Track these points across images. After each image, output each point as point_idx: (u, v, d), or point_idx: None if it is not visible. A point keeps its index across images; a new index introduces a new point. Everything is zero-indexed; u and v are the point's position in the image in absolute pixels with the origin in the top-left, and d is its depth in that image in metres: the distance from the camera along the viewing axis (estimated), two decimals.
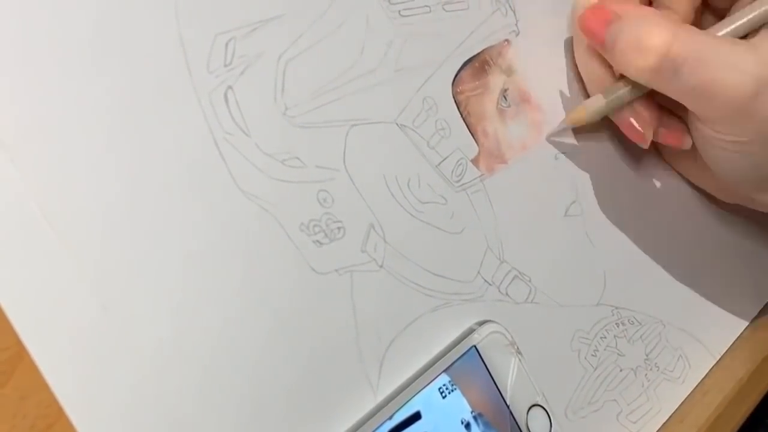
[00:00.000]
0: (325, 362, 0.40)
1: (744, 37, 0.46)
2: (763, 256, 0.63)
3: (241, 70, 0.39)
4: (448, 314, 0.44)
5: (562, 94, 0.53)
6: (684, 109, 0.48)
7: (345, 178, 0.42)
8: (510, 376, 0.45)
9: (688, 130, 0.51)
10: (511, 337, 0.45)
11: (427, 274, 0.44)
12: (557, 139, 0.52)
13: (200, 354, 0.36)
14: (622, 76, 0.49)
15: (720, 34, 0.46)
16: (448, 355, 0.43)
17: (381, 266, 0.42)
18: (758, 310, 0.62)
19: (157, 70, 0.37)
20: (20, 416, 0.32)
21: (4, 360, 0.31)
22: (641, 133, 0.50)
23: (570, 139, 0.53)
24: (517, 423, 0.44)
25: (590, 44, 0.50)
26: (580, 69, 0.53)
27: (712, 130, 0.47)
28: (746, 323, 0.61)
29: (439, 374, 0.42)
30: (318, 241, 0.40)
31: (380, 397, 0.41)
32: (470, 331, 0.44)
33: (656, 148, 0.57)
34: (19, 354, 0.31)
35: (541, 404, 0.46)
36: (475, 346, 0.43)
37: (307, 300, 0.39)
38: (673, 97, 0.46)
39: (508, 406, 0.44)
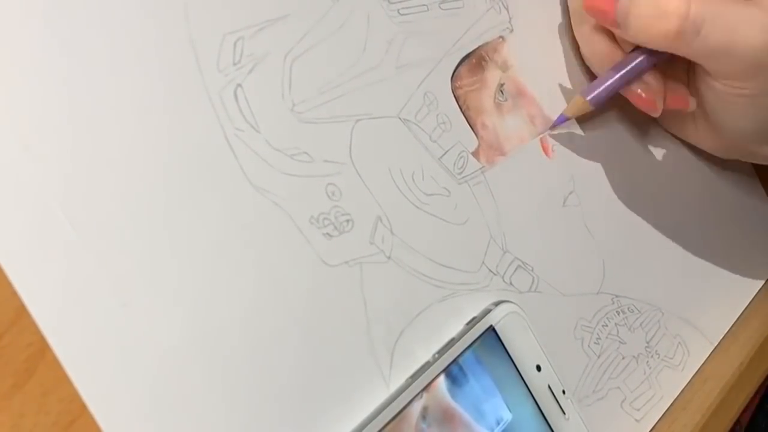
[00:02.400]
0: (337, 353, 0.40)
1: None
2: (757, 243, 0.64)
3: (250, 69, 0.40)
4: (456, 304, 0.45)
5: (556, 87, 0.54)
6: (683, 74, 0.51)
7: (352, 172, 0.43)
8: (528, 355, 0.45)
9: (690, 93, 0.53)
10: (527, 316, 0.46)
11: (434, 265, 0.45)
12: (554, 132, 0.53)
13: (217, 348, 0.36)
14: (633, 50, 0.51)
15: None
16: (466, 336, 0.43)
17: (389, 257, 0.43)
18: (753, 296, 0.63)
19: (169, 70, 0.37)
20: (43, 412, 0.32)
21: (27, 356, 0.31)
22: (653, 101, 0.52)
23: (566, 131, 0.54)
24: (537, 403, 0.45)
25: (597, 23, 0.51)
26: (583, 50, 0.54)
27: (728, 86, 0.49)
28: (742, 309, 0.62)
29: (461, 354, 0.42)
30: (328, 233, 0.41)
31: (393, 387, 0.41)
32: (487, 312, 0.45)
33: (654, 121, 0.59)
34: (41, 350, 0.31)
35: (559, 382, 0.46)
36: (493, 326, 0.44)
37: (319, 292, 0.40)
38: (691, 58, 0.48)
39: (527, 386, 0.44)
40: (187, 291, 0.36)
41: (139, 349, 0.34)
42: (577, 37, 0.54)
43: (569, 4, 0.54)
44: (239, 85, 0.39)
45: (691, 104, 0.53)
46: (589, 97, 0.52)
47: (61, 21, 0.35)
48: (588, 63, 0.54)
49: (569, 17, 0.55)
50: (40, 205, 0.33)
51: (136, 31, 0.37)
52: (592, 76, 0.55)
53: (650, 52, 0.50)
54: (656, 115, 0.52)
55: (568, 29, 0.56)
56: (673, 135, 0.60)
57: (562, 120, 0.53)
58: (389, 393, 0.40)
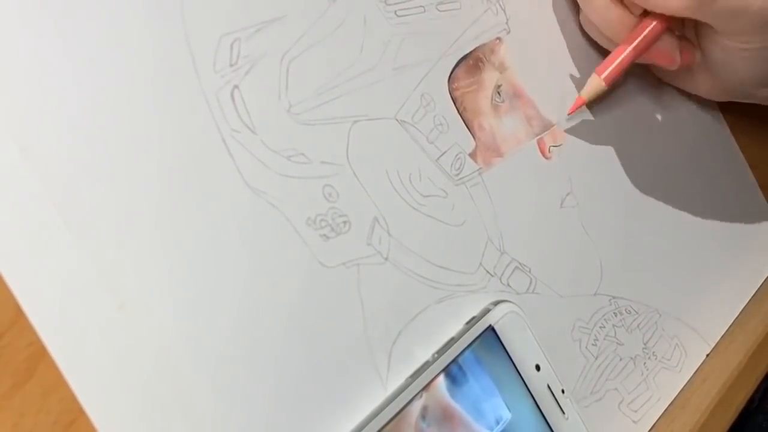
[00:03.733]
0: (334, 355, 0.40)
1: None
2: (754, 244, 0.64)
3: (247, 70, 0.40)
4: (454, 305, 0.45)
5: (553, 88, 0.54)
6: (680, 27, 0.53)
7: (349, 173, 0.43)
8: (528, 354, 0.45)
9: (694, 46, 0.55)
10: (526, 316, 0.46)
11: (431, 266, 0.45)
12: (570, 118, 0.54)
13: (214, 349, 0.36)
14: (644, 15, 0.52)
15: None
16: (465, 335, 0.43)
17: (386, 259, 0.43)
18: (749, 297, 0.63)
19: (166, 71, 0.37)
20: (44, 412, 0.32)
21: (27, 356, 0.31)
22: (672, 56, 0.55)
23: (563, 131, 0.54)
24: (536, 402, 0.45)
25: None
26: (596, 20, 0.55)
27: (738, 42, 0.52)
28: (739, 310, 0.62)
29: (461, 353, 0.42)
30: (325, 235, 0.41)
31: (390, 389, 0.41)
32: (486, 311, 0.45)
33: (648, 69, 0.60)
34: (41, 350, 0.31)
35: (558, 382, 0.46)
36: (492, 326, 0.44)
37: (317, 293, 0.40)
38: (707, 21, 0.51)
39: (526, 385, 0.45)
40: (184, 293, 0.36)
41: (136, 351, 0.34)
42: (585, 11, 0.54)
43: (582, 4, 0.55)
44: (236, 86, 0.39)
45: (697, 57, 0.56)
46: (603, 75, 0.53)
47: (58, 22, 0.35)
48: (599, 34, 0.56)
49: (574, 11, 0.55)
50: (36, 207, 0.33)
51: (132, 32, 0.37)
52: (586, 76, 0.55)
53: (661, 18, 0.52)
54: (675, 68, 0.55)
55: (569, 30, 0.56)
56: (667, 83, 0.62)
57: (580, 104, 0.53)
58: (387, 395, 0.40)
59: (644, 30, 0.52)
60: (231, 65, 0.39)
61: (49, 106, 0.34)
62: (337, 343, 0.40)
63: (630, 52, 0.52)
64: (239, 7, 0.40)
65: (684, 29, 0.56)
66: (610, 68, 0.52)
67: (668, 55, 0.54)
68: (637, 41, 0.52)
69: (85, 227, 0.34)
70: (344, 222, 0.42)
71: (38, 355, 0.31)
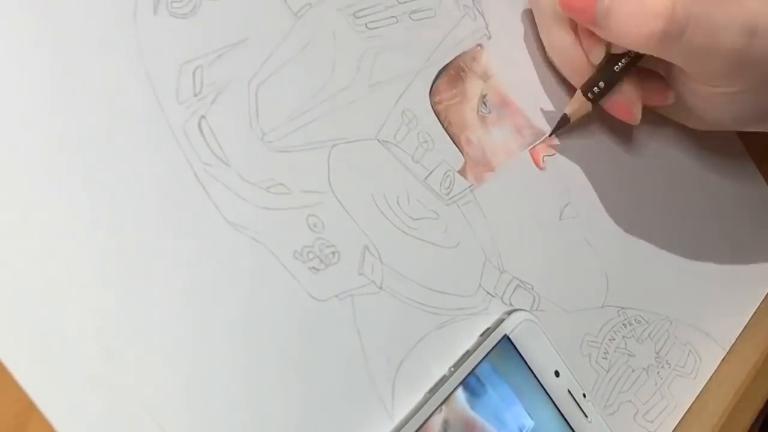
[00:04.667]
0: (336, 390, 0.38)
1: None
2: (762, 244, 0.63)
3: (212, 98, 0.38)
4: (455, 330, 0.43)
5: (541, 94, 0.53)
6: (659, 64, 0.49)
7: (333, 201, 0.41)
8: (546, 361, 0.45)
9: (668, 85, 0.51)
10: (541, 324, 0.45)
11: (428, 292, 0.43)
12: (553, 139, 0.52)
13: (209, 396, 0.35)
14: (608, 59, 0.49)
15: None
16: (481, 347, 0.42)
17: (380, 288, 0.41)
18: (762, 298, 0.61)
19: (128, 108, 0.36)
20: None
21: (17, 411, 0.30)
22: (629, 110, 0.50)
23: (555, 141, 0.52)
24: (558, 408, 0.45)
25: (565, 28, 0.50)
26: (555, 60, 0.52)
27: (708, 86, 0.48)
28: (752, 312, 0.60)
29: (477, 365, 0.42)
30: (314, 267, 0.39)
31: (397, 419, 0.39)
32: (500, 322, 0.44)
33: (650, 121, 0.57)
34: (32, 404, 0.31)
35: (579, 386, 0.46)
36: (507, 336, 0.43)
37: (311, 329, 0.38)
38: (672, 61, 0.47)
39: (547, 392, 0.44)
40: (173, 337, 0.34)
41: (126, 400, 0.33)
42: (545, 45, 0.52)
43: (534, 11, 0.52)
44: (203, 116, 0.38)
45: (669, 98, 0.52)
46: (589, 93, 0.50)
47: (9, 70, 0.33)
48: (561, 72, 0.53)
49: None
50: (12, 259, 0.32)
51: (89, 70, 0.35)
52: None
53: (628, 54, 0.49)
54: (635, 123, 0.51)
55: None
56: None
57: (564, 123, 0.51)
58: (393, 425, 0.39)
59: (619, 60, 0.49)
60: (195, 95, 0.38)
61: (12, 151, 0.33)
62: (337, 378, 0.39)
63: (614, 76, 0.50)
64: (197, 32, 0.38)
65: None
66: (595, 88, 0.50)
67: (625, 108, 0.50)
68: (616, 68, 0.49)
69: (61, 277, 0.32)
70: (333, 252, 0.40)
71: (29, 410, 0.31)
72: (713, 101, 0.49)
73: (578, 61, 0.50)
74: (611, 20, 0.45)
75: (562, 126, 0.51)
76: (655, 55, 0.46)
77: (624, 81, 0.49)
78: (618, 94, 0.50)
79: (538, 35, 0.53)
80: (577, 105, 0.51)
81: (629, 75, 0.49)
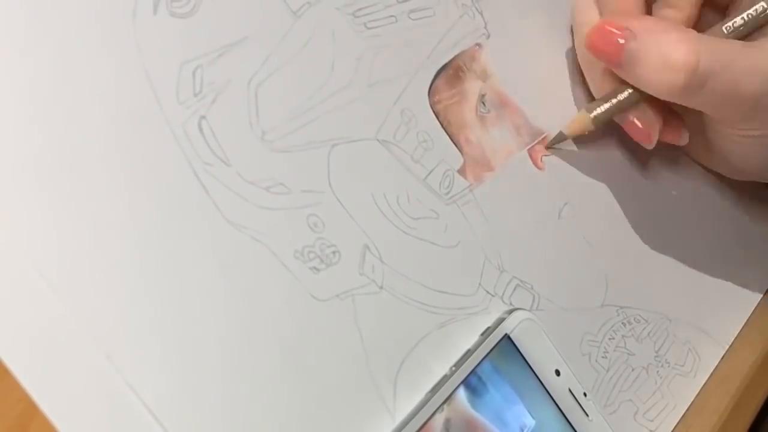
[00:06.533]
0: (337, 389, 0.38)
1: (746, 35, 0.48)
2: (763, 241, 0.63)
3: (213, 98, 0.38)
4: (456, 329, 0.43)
5: (540, 94, 0.52)
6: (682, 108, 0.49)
7: (333, 201, 0.41)
8: (546, 360, 0.45)
9: (685, 125, 0.51)
10: (541, 323, 0.45)
11: (429, 291, 0.43)
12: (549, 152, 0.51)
13: (210, 395, 0.35)
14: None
15: (726, 34, 0.47)
16: (482, 346, 0.42)
17: (381, 287, 0.41)
18: (761, 296, 0.61)
19: (128, 108, 0.35)
20: None
21: (19, 412, 0.30)
22: (648, 133, 0.50)
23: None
24: (559, 407, 0.45)
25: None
26: (583, 70, 0.52)
27: (731, 129, 0.48)
28: (751, 309, 0.60)
29: (478, 364, 0.42)
30: (314, 267, 0.39)
31: (398, 418, 0.39)
32: (500, 321, 0.44)
33: None
34: (34, 405, 0.30)
35: (579, 385, 0.46)
36: (508, 335, 0.43)
37: (312, 328, 0.38)
38: (695, 107, 0.47)
39: (548, 391, 0.44)
40: (174, 338, 0.34)
41: (129, 403, 0.33)
42: (587, 79, 0.52)
43: (577, 48, 0.52)
44: (203, 116, 0.37)
45: (683, 139, 0.51)
46: (593, 114, 0.50)
47: (13, 68, 0.33)
48: (587, 76, 0.53)
49: (561, 17, 0.54)
50: (11, 264, 0.31)
51: (89, 70, 0.35)
52: (574, 77, 0.54)
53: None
54: (650, 147, 0.50)
55: (552, 31, 0.54)
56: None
57: (560, 139, 0.51)
58: (395, 424, 0.39)
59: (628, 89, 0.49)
60: (195, 95, 0.37)
61: (17, 159, 0.32)
62: (338, 377, 0.38)
63: (617, 103, 0.50)
64: (197, 31, 0.38)
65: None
66: (600, 110, 0.50)
67: (642, 130, 0.49)
68: (620, 98, 0.49)
69: (63, 280, 0.32)
70: (333, 252, 0.40)
71: (31, 410, 0.30)
72: (741, 144, 0.49)
73: (600, 77, 0.50)
74: (636, 68, 0.46)
75: (559, 141, 0.51)
76: (680, 103, 0.47)
77: (643, 103, 0.49)
78: (637, 113, 0.49)
79: (538, 34, 0.53)
80: (577, 123, 0.51)
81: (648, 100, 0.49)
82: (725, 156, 0.52)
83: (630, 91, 0.49)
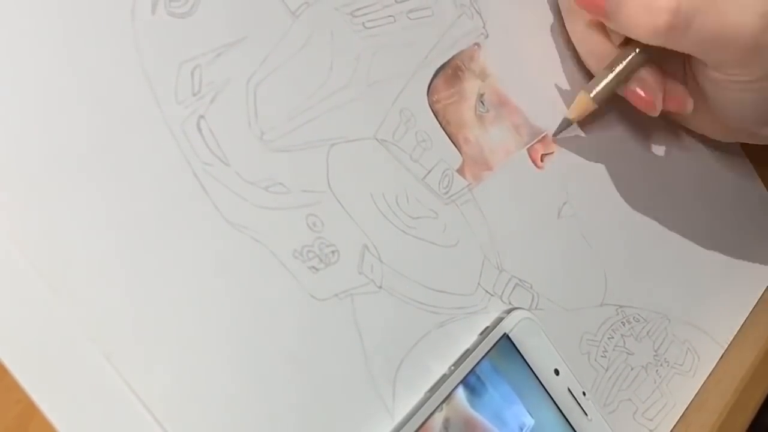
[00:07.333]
0: (336, 389, 0.38)
1: None
2: (761, 241, 0.63)
3: (211, 98, 0.38)
4: (455, 328, 0.43)
5: (539, 93, 0.52)
6: (680, 69, 0.50)
7: (332, 200, 0.41)
8: (546, 360, 0.45)
9: (688, 93, 0.51)
10: (540, 322, 0.45)
11: (428, 291, 0.43)
12: (556, 139, 0.52)
13: (210, 395, 0.35)
14: (626, 43, 0.49)
15: None
16: (480, 345, 0.42)
17: (380, 287, 0.41)
18: (759, 295, 0.61)
19: (126, 108, 0.35)
20: None
21: (18, 412, 0.30)
22: (650, 100, 0.50)
23: (570, 135, 0.53)
24: (558, 407, 0.45)
25: (590, 17, 0.50)
26: (579, 50, 0.52)
27: (724, 74, 0.47)
28: (750, 309, 0.60)
29: (477, 364, 0.42)
30: (313, 267, 0.39)
31: (397, 418, 0.39)
32: (499, 320, 0.44)
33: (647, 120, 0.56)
34: (33, 405, 0.31)
35: (578, 385, 0.46)
36: (507, 334, 0.43)
37: (311, 328, 0.38)
38: (685, 51, 0.47)
39: (547, 390, 0.44)
40: (173, 337, 0.34)
41: (127, 400, 0.33)
42: (571, 37, 0.52)
43: (561, 4, 0.52)
44: (202, 116, 0.37)
45: (688, 106, 0.51)
46: (593, 93, 0.50)
47: (12, 68, 0.33)
48: (585, 63, 0.53)
49: (561, 17, 0.53)
50: (7, 262, 0.31)
51: (87, 70, 0.35)
52: (572, 76, 0.54)
53: (642, 46, 0.49)
54: (655, 114, 0.51)
55: (550, 30, 0.54)
56: (672, 121, 0.59)
57: (566, 125, 0.51)
58: (394, 424, 0.39)
59: (624, 58, 0.49)
60: (194, 94, 0.37)
61: (12, 156, 0.32)
62: (337, 376, 0.39)
63: (612, 79, 0.50)
64: (195, 31, 0.38)
65: (673, 65, 0.52)
66: (597, 89, 0.50)
67: (644, 98, 0.50)
68: (617, 70, 0.50)
69: (61, 278, 0.32)
70: (332, 252, 0.40)
71: (30, 410, 0.30)
72: (733, 90, 0.49)
73: (599, 43, 0.50)
74: (621, 14, 0.46)
75: (565, 128, 0.51)
76: (666, 47, 0.46)
77: (643, 68, 0.49)
78: (638, 82, 0.50)
79: (536, 33, 0.53)
80: (579, 105, 0.51)
81: (648, 65, 0.50)
82: (720, 110, 0.52)
83: (623, 64, 0.49)
